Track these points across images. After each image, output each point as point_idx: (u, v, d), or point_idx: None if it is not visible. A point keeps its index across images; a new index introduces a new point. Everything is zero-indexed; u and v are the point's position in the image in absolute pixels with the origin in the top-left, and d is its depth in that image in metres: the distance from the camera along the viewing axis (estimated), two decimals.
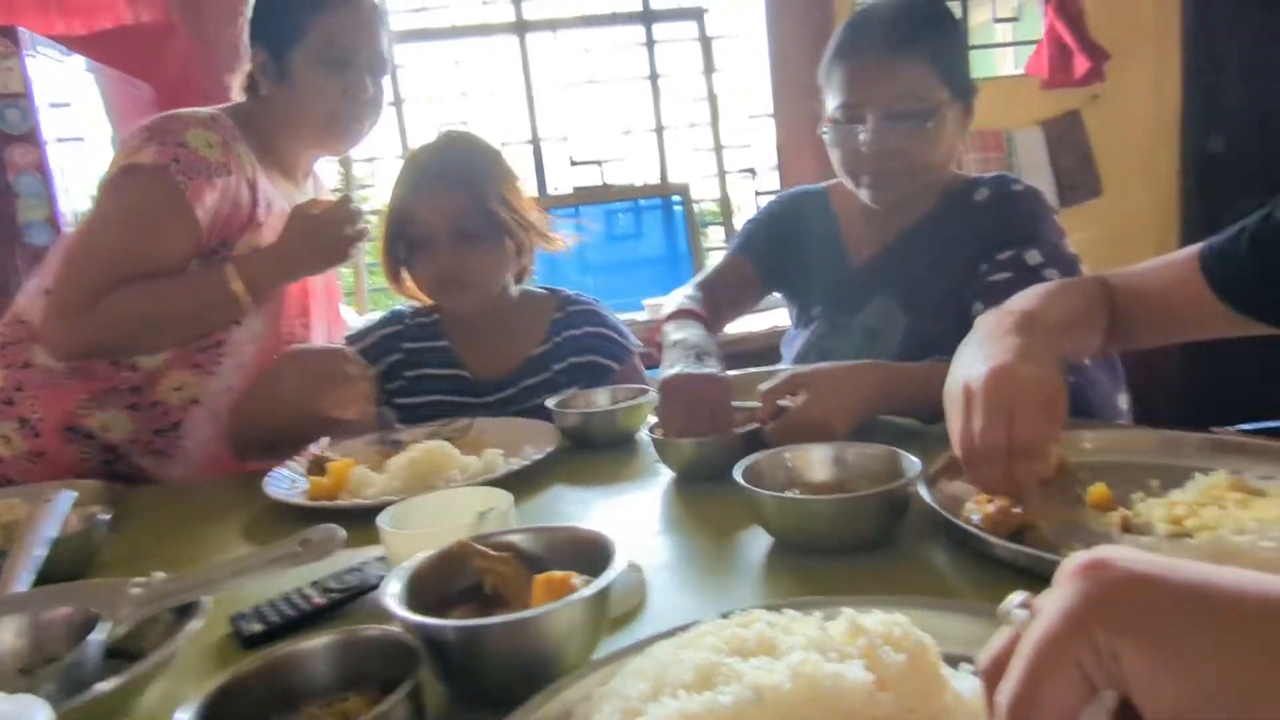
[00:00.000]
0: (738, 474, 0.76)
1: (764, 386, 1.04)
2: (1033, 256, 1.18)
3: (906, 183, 1.24)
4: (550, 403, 1.19)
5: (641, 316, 2.72)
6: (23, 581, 0.75)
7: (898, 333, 1.32)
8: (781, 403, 1.01)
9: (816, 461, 0.81)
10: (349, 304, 2.79)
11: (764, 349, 2.25)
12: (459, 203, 1.30)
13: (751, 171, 3.33)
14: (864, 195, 1.28)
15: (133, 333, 1.23)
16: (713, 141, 3.21)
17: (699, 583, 0.71)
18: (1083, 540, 0.67)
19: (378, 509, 0.87)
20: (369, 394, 1.18)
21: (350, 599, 0.71)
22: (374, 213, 3.28)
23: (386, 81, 1.42)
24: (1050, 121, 3.12)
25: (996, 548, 0.64)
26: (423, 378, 1.39)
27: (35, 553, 0.78)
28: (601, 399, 1.23)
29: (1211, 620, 0.30)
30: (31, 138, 2.25)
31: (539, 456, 1.05)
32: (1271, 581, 0.31)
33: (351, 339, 1.43)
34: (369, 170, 3.26)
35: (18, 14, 2.69)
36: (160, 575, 0.66)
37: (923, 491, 0.73)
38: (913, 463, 0.74)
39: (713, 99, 3.19)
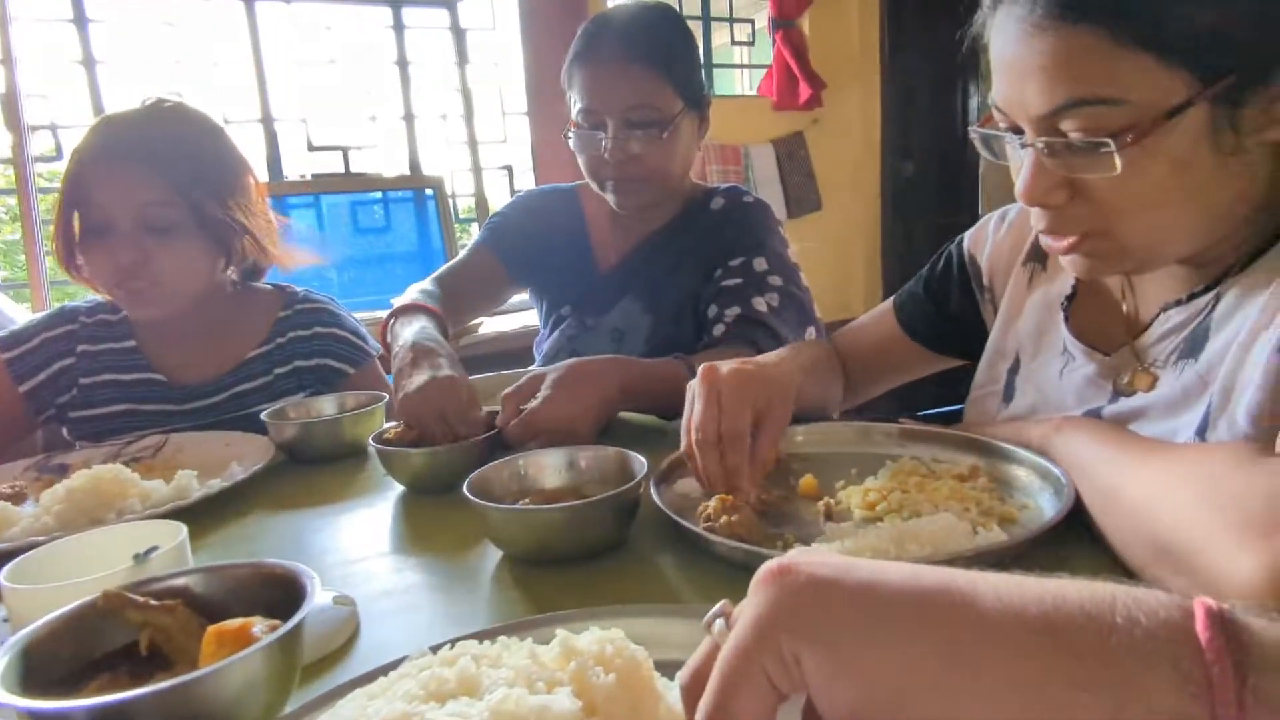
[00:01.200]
0: (465, 486, 0.71)
1: (506, 391, 1.00)
2: (760, 264, 1.27)
3: (647, 189, 1.27)
4: (264, 414, 1.06)
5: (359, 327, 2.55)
6: None
7: (642, 333, 1.36)
8: (524, 407, 0.98)
9: (549, 467, 0.78)
10: (17, 299, 2.32)
11: (516, 350, 2.21)
12: (152, 188, 1.10)
13: (508, 169, 3.28)
14: (610, 200, 1.29)
15: None
16: (467, 135, 3.11)
17: (422, 610, 0.65)
18: (795, 528, 0.72)
19: (18, 554, 0.71)
20: None
21: None
22: (47, 192, 2.76)
23: None
24: (780, 140, 3.42)
25: (717, 546, 0.65)
26: (103, 385, 1.17)
27: None
28: (327, 407, 1.11)
29: (876, 617, 0.31)
30: None
31: (243, 476, 0.92)
32: (928, 575, 0.32)
33: (5, 343, 1.17)
34: (50, 141, 2.72)
35: None
36: None
37: (652, 493, 0.74)
38: (641, 463, 0.74)
39: (466, 92, 3.09)
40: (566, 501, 0.70)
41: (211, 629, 0.47)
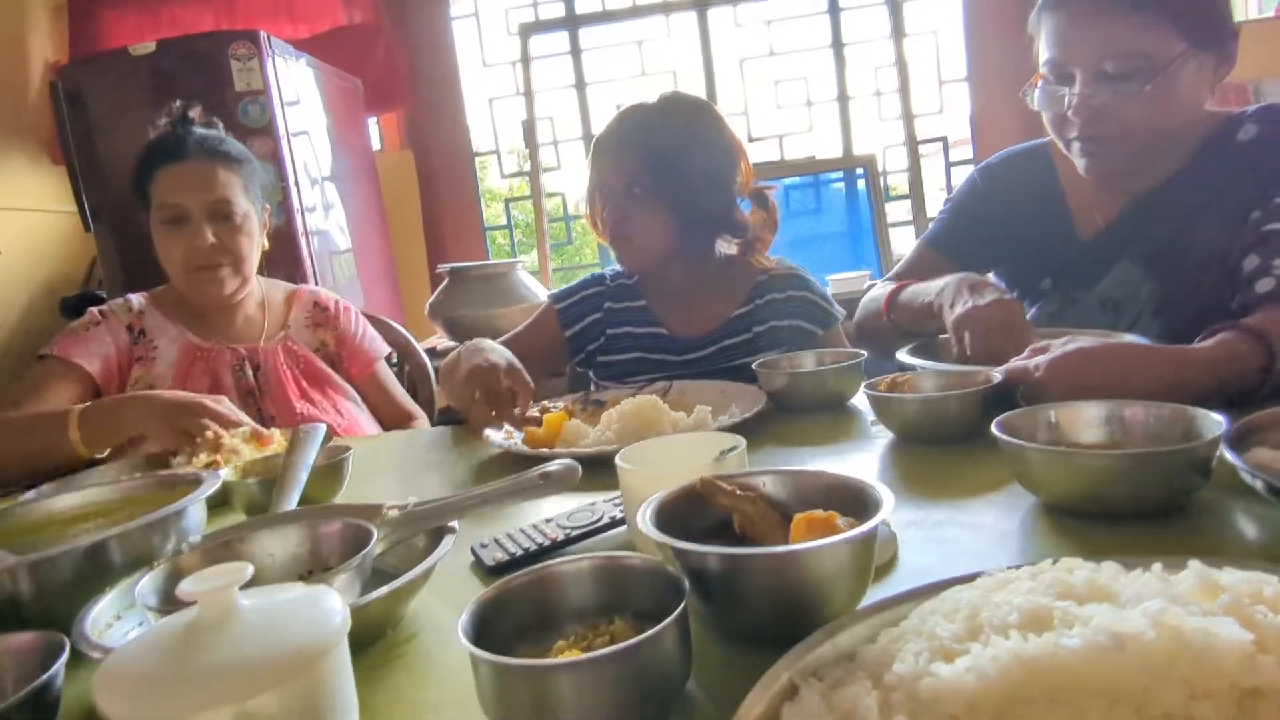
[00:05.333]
0: (995, 428, 0.69)
1: (1035, 359, 0.92)
2: None
3: (1124, 151, 1.10)
4: (755, 364, 1.16)
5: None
6: (291, 501, 0.82)
7: (1145, 302, 1.18)
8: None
9: (1086, 421, 0.71)
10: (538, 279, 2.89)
11: None
12: (631, 166, 1.31)
13: (943, 140, 3.12)
14: (1078, 164, 1.15)
15: None
16: (901, 109, 3.03)
17: (951, 542, 0.65)
18: None
19: (594, 458, 0.89)
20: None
21: (585, 536, 0.71)
22: (551, 195, 3.38)
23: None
24: None
25: None
26: (623, 336, 1.41)
27: (299, 477, 0.85)
28: (808, 361, 1.18)
29: None
30: (269, 130, 2.50)
31: (747, 415, 1.02)
32: None
33: (556, 297, 1.47)
34: (553, 155, 3.35)
35: (255, 20, 3.02)
36: (414, 499, 0.70)
37: (1228, 454, 0.63)
38: (1215, 421, 0.64)
39: (902, 64, 3.00)
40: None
41: (800, 516, 0.53)
